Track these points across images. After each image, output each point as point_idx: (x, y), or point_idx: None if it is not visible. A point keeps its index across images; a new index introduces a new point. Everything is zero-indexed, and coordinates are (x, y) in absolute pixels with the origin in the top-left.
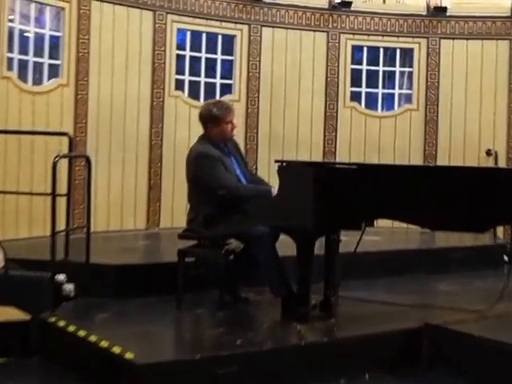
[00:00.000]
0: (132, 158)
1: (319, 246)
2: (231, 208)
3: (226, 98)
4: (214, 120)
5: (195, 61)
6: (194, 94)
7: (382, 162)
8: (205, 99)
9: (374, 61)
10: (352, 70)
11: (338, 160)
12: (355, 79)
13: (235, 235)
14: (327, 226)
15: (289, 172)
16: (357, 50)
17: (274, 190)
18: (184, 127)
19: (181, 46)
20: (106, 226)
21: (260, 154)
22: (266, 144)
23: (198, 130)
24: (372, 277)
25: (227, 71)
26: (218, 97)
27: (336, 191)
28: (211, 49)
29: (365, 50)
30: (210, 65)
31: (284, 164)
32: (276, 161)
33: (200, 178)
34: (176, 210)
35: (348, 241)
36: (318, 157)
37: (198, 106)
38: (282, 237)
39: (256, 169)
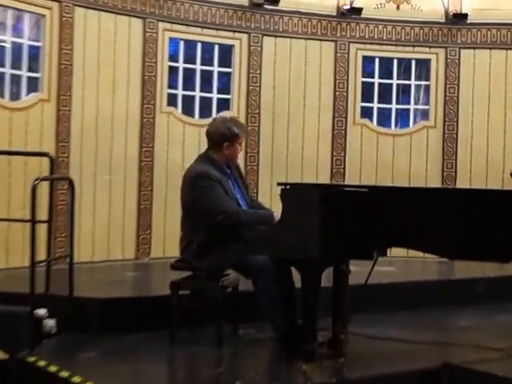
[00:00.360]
0: (120, 180)
1: (327, 277)
2: (229, 235)
3: (223, 114)
4: (232, 139)
5: (189, 73)
6: (188, 110)
7: (396, 184)
8: (200, 116)
9: (386, 73)
10: (363, 83)
11: (347, 182)
12: (366, 93)
13: (233, 265)
14: (335, 256)
15: (293, 196)
16: (368, 61)
17: (277, 215)
18: (177, 147)
19: (173, 57)
20: (91, 256)
21: (261, 177)
22: (268, 165)
23: (193, 149)
24: (385, 311)
25: (225, 85)
26: (214, 113)
27: (345, 216)
28: (207, 60)
29: (377, 61)
30: (206, 78)
31: (287, 187)
32: (279, 184)
33: (197, 201)
34: (168, 237)
35: (358, 271)
36: (325, 179)
37: (192, 124)
38: None
39: (257, 192)
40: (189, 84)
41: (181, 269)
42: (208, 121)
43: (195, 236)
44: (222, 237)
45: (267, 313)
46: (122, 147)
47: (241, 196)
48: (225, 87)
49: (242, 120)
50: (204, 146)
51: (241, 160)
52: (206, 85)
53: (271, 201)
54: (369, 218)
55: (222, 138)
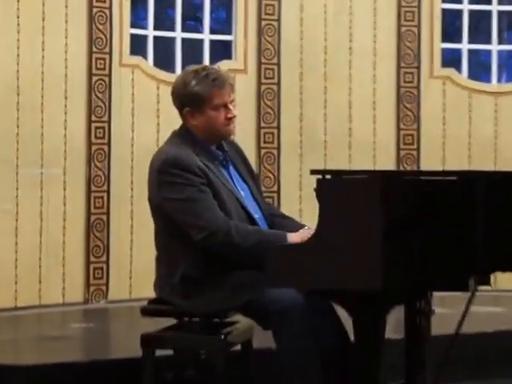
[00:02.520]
0: (57, 177)
1: (395, 323)
2: (228, 259)
3: (223, 66)
4: (192, 101)
5: (165, 3)
6: (164, 60)
7: (502, 168)
8: (183, 69)
9: None
10: (444, 11)
11: (423, 168)
12: (450, 29)
13: (240, 308)
14: (407, 287)
15: (336, 191)
16: None
17: (308, 231)
18: (148, 120)
19: None
20: (13, 301)
21: (284, 165)
22: (295, 146)
23: (172, 123)
24: (489, 376)
25: (223, 20)
26: (206, 64)
27: (423, 223)
28: None
29: None
30: (192, 9)
31: (327, 178)
32: (313, 172)
33: (163, 208)
34: (137, 267)
35: (445, 314)
36: (387, 164)
37: (171, 82)
38: None
39: (278, 191)
40: (165, 20)
41: (158, 314)
42: None
43: (177, 261)
44: (216, 262)
45: (295, 379)
46: (58, 124)
47: (247, 194)
48: (222, 23)
49: (251, 76)
50: None
51: (250, 139)
52: (193, 20)
53: (300, 204)
54: (461, 223)
55: (178, 102)
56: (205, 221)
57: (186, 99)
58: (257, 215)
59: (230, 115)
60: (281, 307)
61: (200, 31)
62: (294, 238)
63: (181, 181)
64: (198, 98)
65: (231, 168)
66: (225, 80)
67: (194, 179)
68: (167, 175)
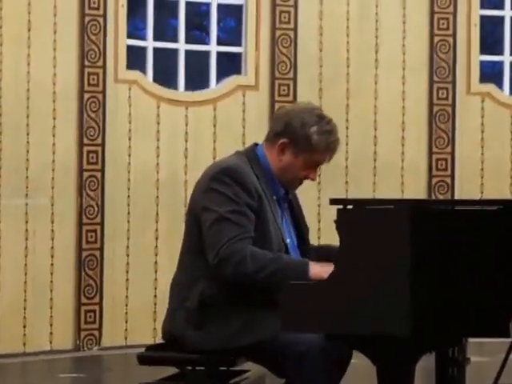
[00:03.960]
0: (44, 207)
1: (425, 373)
2: (243, 291)
3: (231, 81)
4: (298, 141)
5: (166, 10)
6: (165, 75)
7: None
8: (187, 86)
9: None
10: (483, 19)
11: (457, 197)
12: (490, 39)
13: (250, 352)
14: (439, 333)
15: (359, 223)
16: None
17: (326, 267)
18: (147, 143)
19: None
20: None
21: (300, 193)
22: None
23: (176, 145)
24: None
25: (231, 29)
26: (213, 82)
27: (457, 260)
28: None
29: None
30: (197, 17)
31: (349, 208)
32: (333, 201)
33: (200, 218)
34: (134, 310)
35: (483, 363)
36: (417, 193)
37: (174, 100)
38: None
39: None
40: (166, 30)
41: (158, 362)
42: (205, 94)
43: (197, 280)
44: (232, 293)
45: None
46: (45, 146)
47: (291, 240)
48: (231, 33)
49: (263, 92)
50: (202, 139)
51: None
52: (198, 30)
53: (319, 238)
54: (503, 259)
55: (283, 129)
56: (224, 244)
57: (293, 134)
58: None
59: (311, 177)
60: (297, 351)
61: (206, 42)
62: (316, 269)
63: (228, 193)
64: (306, 144)
65: (286, 211)
66: (336, 147)
67: (242, 196)
68: (219, 183)
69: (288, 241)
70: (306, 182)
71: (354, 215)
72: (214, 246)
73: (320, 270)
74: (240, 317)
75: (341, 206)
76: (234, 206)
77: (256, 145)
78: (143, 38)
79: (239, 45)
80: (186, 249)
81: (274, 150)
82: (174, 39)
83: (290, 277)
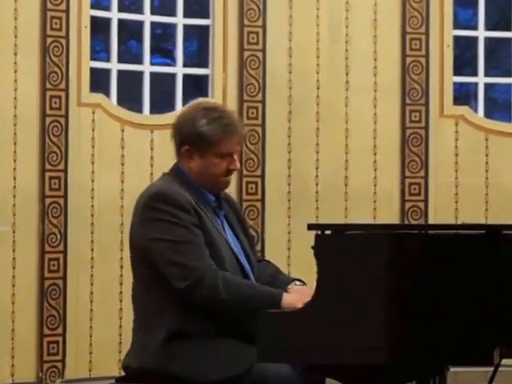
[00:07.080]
0: (4, 235)
1: None
2: (215, 319)
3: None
4: (196, 141)
5: (131, 31)
6: (129, 98)
7: None
8: (153, 110)
9: (502, 21)
10: (456, 39)
11: (431, 222)
12: (463, 60)
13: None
14: (419, 361)
15: (338, 250)
16: None
17: (308, 289)
18: (111, 168)
19: (99, 2)
20: None
21: (269, 220)
22: (282, 198)
23: (140, 172)
24: None
25: (197, 50)
26: (179, 105)
27: (438, 285)
28: (164, 7)
29: None
30: (163, 38)
31: (327, 233)
32: (311, 227)
33: (148, 250)
34: (99, 341)
35: None
36: (390, 218)
37: (138, 124)
38: None
39: (262, 248)
40: (130, 51)
41: None
42: (171, 117)
43: (163, 313)
44: (211, 315)
45: None
46: (5, 172)
47: (239, 250)
48: (197, 55)
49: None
50: (168, 163)
51: (229, 189)
52: (163, 51)
53: (289, 266)
54: (485, 285)
55: (179, 138)
56: (191, 268)
57: (188, 137)
58: (250, 273)
59: (232, 167)
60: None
61: (171, 62)
62: (290, 299)
63: (169, 218)
64: (203, 140)
65: (223, 219)
66: (238, 127)
67: (184, 217)
68: (154, 211)
69: (235, 250)
70: (274, 208)
71: (333, 241)
72: (179, 272)
73: (293, 300)
74: (212, 351)
75: (319, 232)
76: (182, 229)
77: (176, 165)
78: (105, 60)
79: (205, 67)
80: (139, 284)
81: (184, 160)
82: (138, 61)
83: (263, 303)
